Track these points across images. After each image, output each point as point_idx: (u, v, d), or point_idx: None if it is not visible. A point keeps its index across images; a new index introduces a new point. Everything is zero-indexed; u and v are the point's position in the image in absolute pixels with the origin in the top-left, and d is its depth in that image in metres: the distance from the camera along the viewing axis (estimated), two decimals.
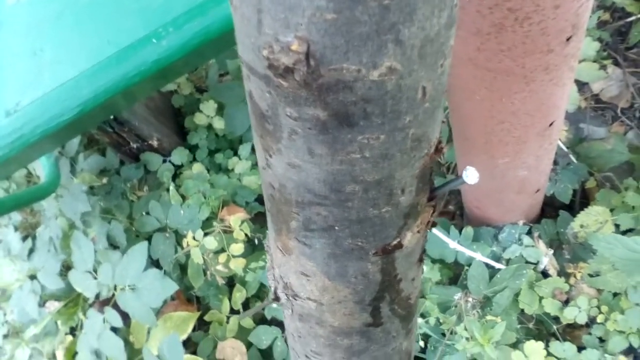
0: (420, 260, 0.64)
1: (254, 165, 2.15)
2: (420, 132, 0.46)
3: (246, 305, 2.04)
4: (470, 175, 0.50)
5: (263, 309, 2.00)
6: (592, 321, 1.79)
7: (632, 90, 2.11)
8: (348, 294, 0.60)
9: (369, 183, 0.48)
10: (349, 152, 0.45)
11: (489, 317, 1.77)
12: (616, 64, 2.13)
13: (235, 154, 2.18)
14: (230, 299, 2.01)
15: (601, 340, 1.78)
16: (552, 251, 1.76)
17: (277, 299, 0.66)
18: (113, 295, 1.87)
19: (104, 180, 2.18)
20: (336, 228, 0.52)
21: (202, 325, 2.04)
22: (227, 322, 1.98)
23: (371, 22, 0.36)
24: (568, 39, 0.96)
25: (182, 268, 2.05)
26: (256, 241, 2.06)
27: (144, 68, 1.03)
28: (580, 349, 1.75)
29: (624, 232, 1.75)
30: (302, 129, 0.43)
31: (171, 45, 1.02)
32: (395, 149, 0.46)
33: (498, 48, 0.95)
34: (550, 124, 1.25)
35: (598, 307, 1.75)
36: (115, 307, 1.87)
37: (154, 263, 2.05)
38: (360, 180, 0.47)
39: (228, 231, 1.99)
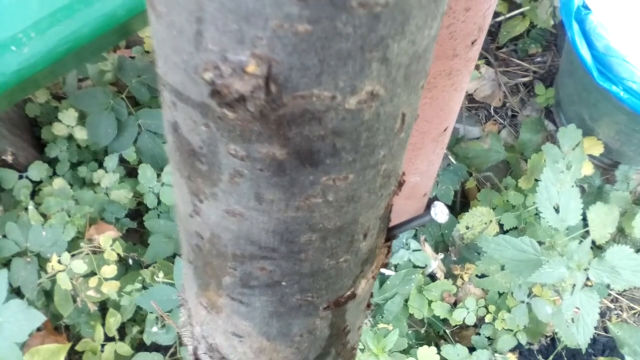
0: (368, 306, 0.56)
1: (122, 178, 2.00)
2: (392, 166, 0.38)
3: (122, 330, 1.89)
4: (440, 213, 0.43)
5: (141, 333, 1.87)
6: (480, 321, 1.80)
7: (503, 89, 2.15)
8: (289, 354, 0.51)
9: (329, 231, 0.39)
10: (308, 197, 0.35)
11: (381, 325, 1.74)
12: (488, 63, 2.16)
13: (101, 166, 2.02)
14: (104, 326, 1.86)
15: (489, 339, 1.80)
16: (442, 255, 1.75)
17: None
18: None
19: None
20: (283, 284, 0.43)
21: (73, 355, 1.87)
22: (102, 351, 1.82)
23: (355, 36, 0.27)
24: (473, 42, 0.92)
25: (48, 295, 1.87)
26: (130, 261, 1.92)
27: (3, 80, 0.88)
28: (471, 349, 1.75)
29: (507, 231, 1.77)
30: (249, 171, 0.34)
31: (34, 52, 0.88)
32: (364, 189, 0.37)
33: None
34: (445, 129, 1.22)
35: (486, 307, 1.77)
36: None
37: (15, 291, 1.86)
38: (319, 228, 0.38)
39: (98, 252, 1.84)
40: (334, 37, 0.27)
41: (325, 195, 0.36)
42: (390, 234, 0.47)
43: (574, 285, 1.47)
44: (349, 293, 0.47)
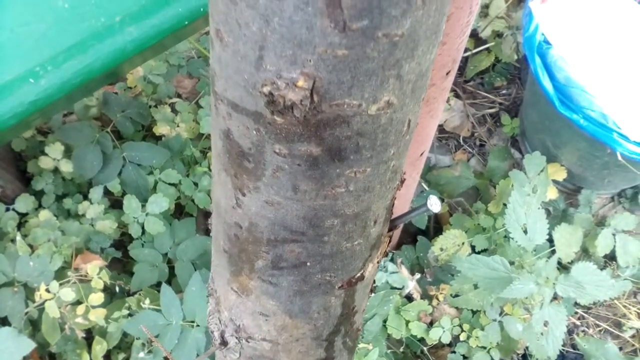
0: (372, 291, 0.65)
1: (107, 209, 2.06)
2: (398, 163, 0.47)
3: (107, 358, 1.94)
4: (434, 204, 0.52)
5: None
6: (455, 340, 1.88)
7: (472, 120, 2.27)
8: (307, 330, 0.60)
9: (348, 216, 0.48)
10: (334, 187, 0.45)
11: (361, 345, 1.81)
12: (457, 96, 2.29)
13: (85, 198, 2.08)
14: (90, 354, 1.90)
15: (464, 357, 1.88)
16: (418, 276, 1.84)
17: (224, 343, 0.64)
18: None
19: None
20: (308, 264, 0.51)
21: None
22: None
23: (379, 58, 0.37)
24: (447, 73, 1.02)
25: (34, 324, 1.91)
26: (117, 289, 1.97)
27: (21, 109, 0.96)
28: None
29: (479, 252, 1.87)
30: (289, 166, 0.43)
31: (50, 84, 0.96)
32: (377, 181, 0.47)
33: None
34: (421, 154, 1.32)
35: (460, 326, 1.85)
36: None
37: (2, 321, 1.89)
38: (341, 214, 0.48)
39: (84, 280, 1.89)
40: (363, 59, 0.37)
41: (347, 186, 0.45)
42: (392, 224, 0.56)
43: (543, 300, 1.57)
44: (359, 274, 0.56)
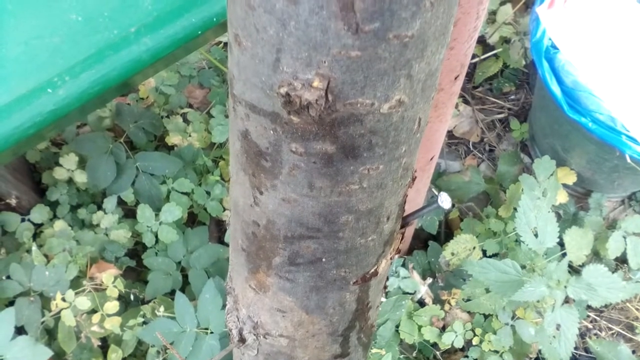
0: (385, 288, 0.67)
1: (121, 219, 2.08)
2: (409, 161, 0.49)
3: None
4: (445, 201, 0.54)
5: None
6: (468, 344, 1.89)
7: (481, 125, 2.29)
8: (323, 326, 0.62)
9: (361, 213, 0.50)
10: (348, 184, 0.47)
11: (374, 350, 1.82)
12: (466, 102, 2.31)
13: (99, 208, 2.10)
14: None
15: None
16: (430, 281, 1.85)
17: (242, 340, 0.66)
18: None
19: None
20: (323, 260, 0.53)
21: None
22: None
23: (390, 59, 0.39)
24: (456, 78, 1.04)
25: (50, 333, 1.93)
26: (132, 297, 1.99)
27: (40, 119, 0.98)
28: None
29: (490, 257, 1.88)
30: (305, 164, 0.45)
31: (68, 94, 0.99)
32: (390, 178, 0.49)
33: None
34: (431, 158, 1.34)
35: (472, 330, 1.86)
36: None
37: (18, 330, 1.91)
38: (355, 210, 0.50)
39: (99, 289, 1.91)
40: (375, 60, 0.39)
41: (361, 183, 0.47)
42: (405, 221, 0.58)
43: (555, 303, 1.58)
44: (373, 270, 0.58)
